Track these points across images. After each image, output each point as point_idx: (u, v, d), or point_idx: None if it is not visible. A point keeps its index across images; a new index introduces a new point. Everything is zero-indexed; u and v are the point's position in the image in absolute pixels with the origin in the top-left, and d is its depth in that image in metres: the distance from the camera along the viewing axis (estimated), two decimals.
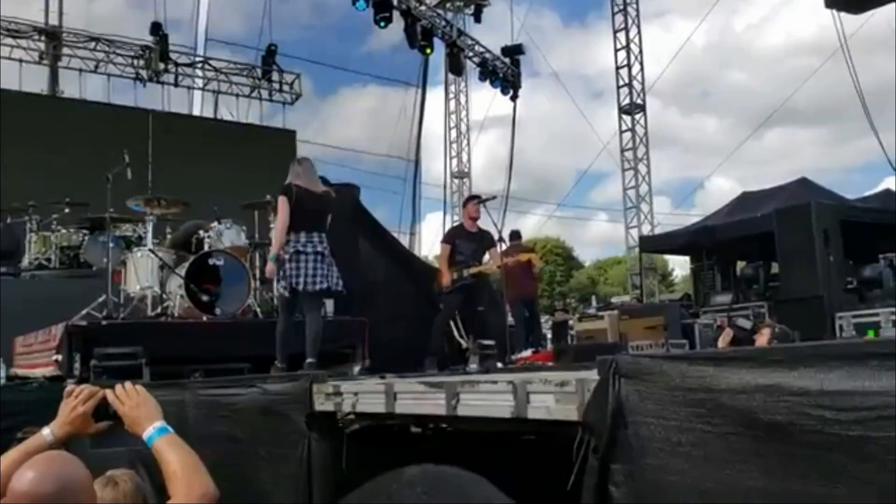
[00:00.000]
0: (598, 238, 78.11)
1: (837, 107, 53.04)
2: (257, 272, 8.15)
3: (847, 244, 11.63)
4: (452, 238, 8.40)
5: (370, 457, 2.89)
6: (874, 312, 10.09)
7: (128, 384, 2.11)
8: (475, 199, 8.56)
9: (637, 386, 1.75)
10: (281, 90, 16.92)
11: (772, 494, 1.47)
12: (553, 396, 1.96)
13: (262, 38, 16.64)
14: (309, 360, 6.21)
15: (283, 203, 6.33)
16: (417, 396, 2.45)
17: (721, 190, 51.80)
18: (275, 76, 16.76)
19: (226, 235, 8.01)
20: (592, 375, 1.89)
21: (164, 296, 7.44)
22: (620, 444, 1.78)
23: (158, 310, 7.35)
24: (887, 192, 14.48)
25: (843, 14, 12.55)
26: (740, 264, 14.74)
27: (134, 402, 2.04)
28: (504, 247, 8.83)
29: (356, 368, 7.72)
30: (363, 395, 2.73)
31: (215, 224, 8.01)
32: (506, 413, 2.09)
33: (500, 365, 7.05)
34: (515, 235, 11.58)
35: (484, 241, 8.34)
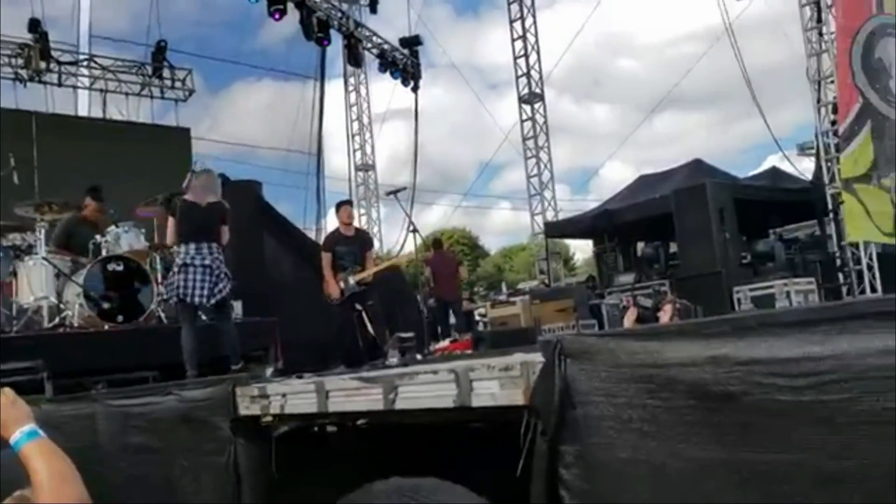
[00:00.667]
0: (502, 226, 79.17)
1: (722, 90, 55.58)
2: (159, 276, 7.84)
3: (740, 221, 12.18)
4: (332, 245, 8.48)
5: (302, 459, 2.79)
6: (769, 285, 10.60)
7: None
8: (347, 204, 8.83)
9: (583, 365, 1.73)
10: (173, 87, 16.28)
11: (727, 464, 1.47)
12: (498, 382, 1.92)
13: (151, 34, 15.99)
14: (233, 367, 6.36)
15: (168, 221, 6.70)
16: (351, 393, 2.37)
17: (616, 175, 53.52)
18: (165, 73, 16.11)
19: (124, 239, 7.65)
20: (536, 358, 1.86)
21: (62, 305, 7.05)
22: (569, 425, 1.76)
23: (56, 320, 6.94)
24: (774, 169, 15.24)
25: (727, 1, 13.19)
26: (640, 245, 15.23)
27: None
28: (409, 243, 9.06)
29: (269, 370, 7.52)
30: (292, 395, 2.62)
31: (112, 227, 7.64)
32: (449, 403, 2.04)
33: (419, 356, 7.01)
34: (438, 244, 12.38)
35: (364, 242, 8.61)
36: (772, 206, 13.23)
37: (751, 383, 1.43)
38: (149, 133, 15.13)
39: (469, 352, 7.80)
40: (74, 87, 15.33)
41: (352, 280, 8.15)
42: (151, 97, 16.03)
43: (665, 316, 7.07)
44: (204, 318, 7.21)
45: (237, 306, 8.45)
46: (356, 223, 19.61)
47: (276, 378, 6.63)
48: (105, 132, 14.61)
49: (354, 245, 8.36)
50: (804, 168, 16.06)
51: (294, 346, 8.42)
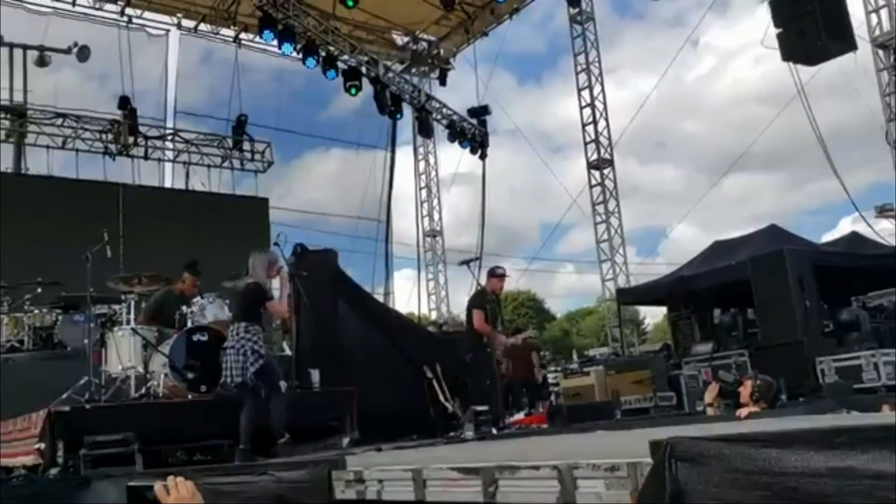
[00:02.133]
0: (566, 289, 78.30)
1: (788, 152, 54.76)
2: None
3: (820, 288, 11.81)
4: (484, 303, 9.32)
5: None
6: (855, 356, 10.19)
7: (179, 478, 2.13)
8: (502, 277, 9.69)
9: (696, 469, 1.71)
10: (252, 159, 16.94)
11: None
12: (603, 482, 1.92)
13: (232, 106, 16.75)
14: (279, 441, 6.61)
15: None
16: (449, 483, 2.38)
17: (684, 237, 52.89)
18: (245, 145, 16.80)
19: (209, 310, 7.88)
20: (644, 458, 1.85)
21: (148, 375, 7.27)
22: None
23: (143, 390, 7.16)
24: (854, 234, 14.80)
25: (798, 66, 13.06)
26: (717, 312, 14.85)
27: (180, 494, 2.01)
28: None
29: (345, 441, 7.60)
30: (389, 482, 2.65)
31: (198, 299, 7.90)
32: (551, 500, 2.04)
33: (494, 430, 6.97)
34: (517, 330, 13.00)
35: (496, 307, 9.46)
36: (853, 273, 12.80)
37: (878, 498, 1.40)
38: (229, 203, 15.71)
39: (545, 426, 7.71)
40: (159, 161, 16.07)
41: (513, 339, 9.32)
42: (232, 169, 16.69)
43: (745, 392, 6.84)
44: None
45: (314, 374, 8.58)
46: (424, 288, 19.88)
47: (352, 448, 6.69)
48: (188, 203, 15.23)
49: (495, 308, 9.32)
50: (881, 229, 15.59)
51: (368, 414, 8.45)
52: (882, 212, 22.15)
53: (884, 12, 11.95)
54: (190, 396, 7.26)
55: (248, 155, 16.73)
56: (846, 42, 12.27)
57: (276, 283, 7.62)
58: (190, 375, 7.31)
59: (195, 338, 7.45)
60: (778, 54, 12.53)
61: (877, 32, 11.91)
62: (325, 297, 10.08)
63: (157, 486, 2.05)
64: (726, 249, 14.09)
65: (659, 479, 1.77)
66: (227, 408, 7.38)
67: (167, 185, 16.15)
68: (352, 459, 3.03)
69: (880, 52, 11.97)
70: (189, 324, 7.61)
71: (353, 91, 14.61)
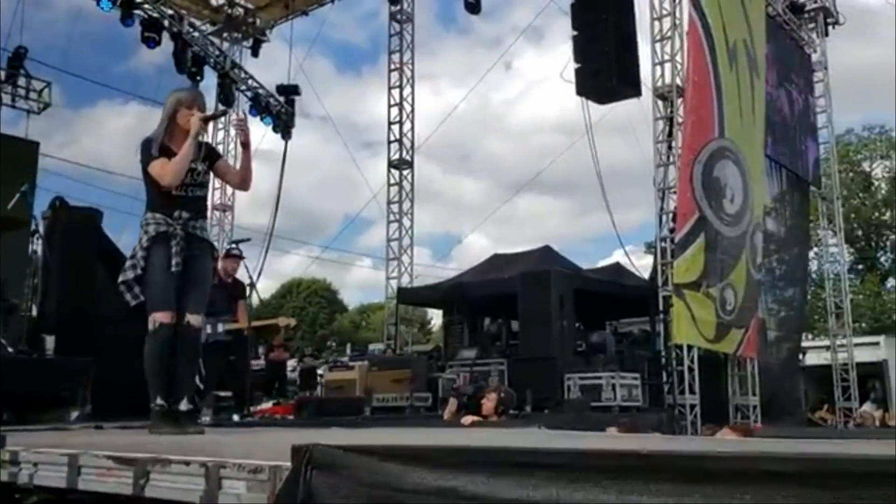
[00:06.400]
0: (363, 282, 78.80)
1: (580, 181, 58.77)
2: None
3: (579, 310, 12.67)
4: None
5: None
6: (597, 375, 10.99)
7: None
8: (236, 258, 8.10)
9: (329, 478, 1.68)
10: (27, 97, 15.38)
11: None
12: (245, 483, 1.85)
13: (11, 39, 15.12)
14: None
15: None
16: (103, 472, 2.21)
17: (476, 245, 55.12)
18: (21, 81, 15.22)
19: None
20: (285, 462, 1.80)
21: None
22: None
23: None
24: (617, 265, 16.02)
25: (590, 103, 13.94)
26: (486, 321, 15.53)
27: None
28: None
29: (74, 414, 7.06)
30: (43, 466, 2.42)
31: None
32: (195, 498, 1.94)
33: (236, 417, 6.75)
34: None
35: (236, 291, 7.90)
36: (609, 299, 13.85)
37: None
38: None
39: (290, 417, 7.60)
40: None
41: (221, 327, 7.34)
42: (0, 104, 15.04)
43: (488, 404, 7.09)
44: None
45: (49, 341, 7.91)
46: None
47: (77, 423, 6.21)
48: None
49: (226, 291, 7.60)
50: (646, 264, 17.04)
51: (111, 389, 7.89)
52: (650, 248, 24.22)
53: (668, 66, 12.98)
54: None
55: (23, 92, 15.17)
56: (633, 87, 13.27)
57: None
58: None
59: None
60: (573, 88, 13.35)
61: (659, 83, 12.92)
62: (80, 259, 9.38)
63: None
64: (503, 262, 14.77)
65: (293, 485, 1.73)
66: None
67: None
68: (14, 437, 2.75)
69: (659, 102, 12.99)
70: None
71: (150, 45, 13.70)
